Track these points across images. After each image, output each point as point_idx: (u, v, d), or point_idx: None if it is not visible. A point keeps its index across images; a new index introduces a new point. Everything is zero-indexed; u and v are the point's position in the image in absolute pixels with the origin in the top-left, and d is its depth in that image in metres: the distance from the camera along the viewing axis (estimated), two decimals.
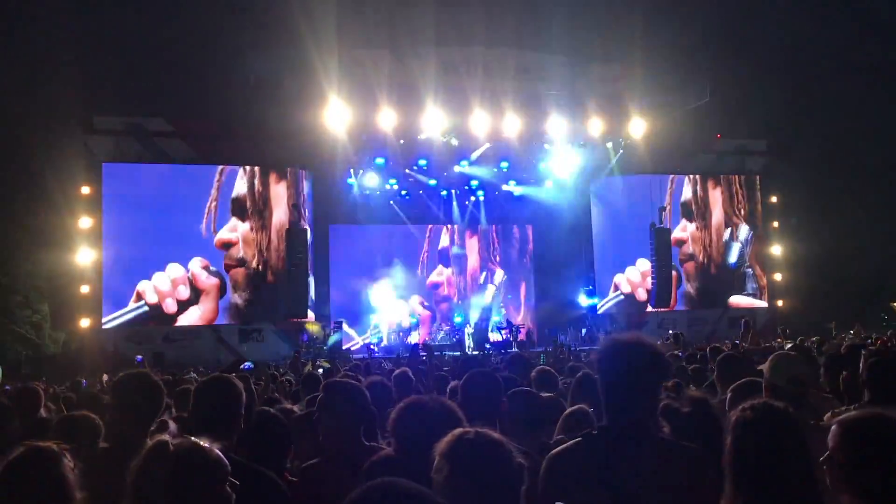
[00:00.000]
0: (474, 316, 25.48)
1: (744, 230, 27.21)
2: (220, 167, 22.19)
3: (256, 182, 22.59)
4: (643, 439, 2.38)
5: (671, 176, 26.31)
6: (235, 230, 22.31)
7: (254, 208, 22.57)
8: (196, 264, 21.77)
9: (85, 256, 20.68)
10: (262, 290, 22.35)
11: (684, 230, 26.58)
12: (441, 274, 26.86)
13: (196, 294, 21.69)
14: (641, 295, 25.56)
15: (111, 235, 20.76)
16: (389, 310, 25.28)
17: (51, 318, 22.41)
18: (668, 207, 25.64)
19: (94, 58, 20.43)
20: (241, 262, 22.34)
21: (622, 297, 25.85)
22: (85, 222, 20.79)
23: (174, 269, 21.49)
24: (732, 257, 27.01)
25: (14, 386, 7.71)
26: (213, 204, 22.06)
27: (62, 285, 21.48)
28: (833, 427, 2.24)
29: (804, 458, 2.23)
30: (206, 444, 2.21)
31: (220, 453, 2.23)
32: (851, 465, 2.16)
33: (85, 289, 20.66)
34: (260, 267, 22.52)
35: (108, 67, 21.12)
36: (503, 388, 3.45)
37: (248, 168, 22.43)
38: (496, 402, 3.29)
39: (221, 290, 22.03)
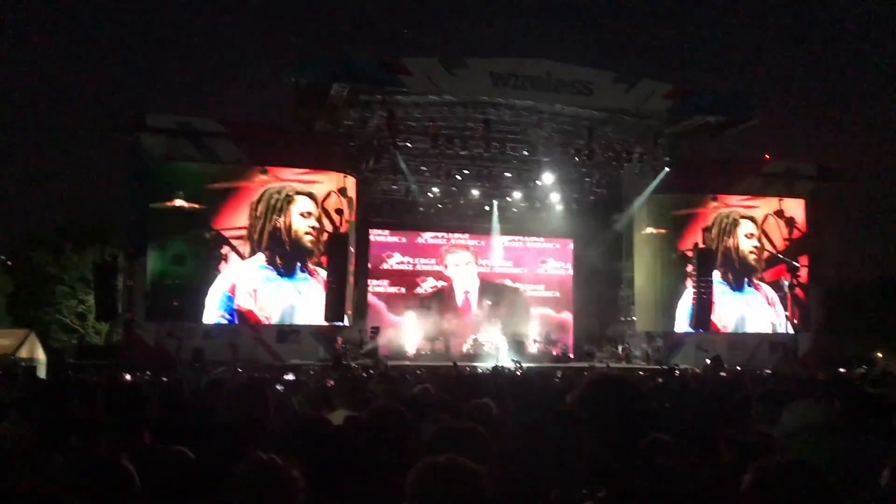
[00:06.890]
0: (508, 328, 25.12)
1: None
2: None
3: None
4: None
5: (717, 195, 25.76)
6: None
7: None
8: None
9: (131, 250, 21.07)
10: None
11: None
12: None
13: None
14: (681, 315, 25.10)
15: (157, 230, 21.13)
16: None
17: (95, 309, 22.88)
18: (712, 228, 25.18)
19: (149, 58, 20.90)
20: None
21: (660, 316, 25.40)
22: (133, 216, 21.18)
23: None
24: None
25: None
26: None
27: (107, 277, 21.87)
28: None
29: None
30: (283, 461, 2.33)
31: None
32: None
33: (129, 282, 21.05)
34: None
35: (162, 67, 21.58)
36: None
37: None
38: None
39: None
